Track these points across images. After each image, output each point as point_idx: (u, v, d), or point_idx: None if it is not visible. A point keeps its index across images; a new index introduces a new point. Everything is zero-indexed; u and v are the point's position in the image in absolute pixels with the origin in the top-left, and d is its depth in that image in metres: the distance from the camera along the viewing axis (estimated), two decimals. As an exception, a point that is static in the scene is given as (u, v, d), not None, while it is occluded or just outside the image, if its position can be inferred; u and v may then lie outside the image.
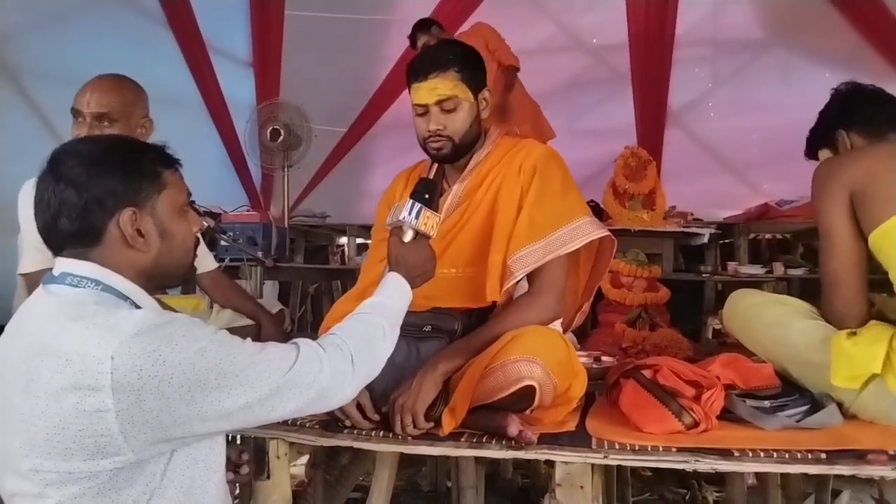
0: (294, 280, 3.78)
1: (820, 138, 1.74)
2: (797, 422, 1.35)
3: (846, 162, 1.54)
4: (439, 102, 1.53)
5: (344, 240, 4.35)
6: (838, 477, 2.11)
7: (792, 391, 1.47)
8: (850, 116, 1.66)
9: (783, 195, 3.82)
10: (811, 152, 1.77)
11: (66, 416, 0.85)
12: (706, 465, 1.20)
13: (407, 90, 1.59)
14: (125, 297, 0.96)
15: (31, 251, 1.69)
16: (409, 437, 1.32)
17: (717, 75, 4.63)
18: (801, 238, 3.66)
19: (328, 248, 4.51)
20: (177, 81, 4.06)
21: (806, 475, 2.04)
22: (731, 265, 3.20)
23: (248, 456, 1.21)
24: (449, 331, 1.47)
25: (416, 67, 1.55)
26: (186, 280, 1.09)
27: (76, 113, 1.76)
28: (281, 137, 3.47)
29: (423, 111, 1.56)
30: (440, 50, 1.62)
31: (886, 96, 1.70)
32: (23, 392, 0.87)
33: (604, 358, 2.04)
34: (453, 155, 1.58)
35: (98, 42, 3.49)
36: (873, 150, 1.55)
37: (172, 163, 1.04)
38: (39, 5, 3.26)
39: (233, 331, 0.98)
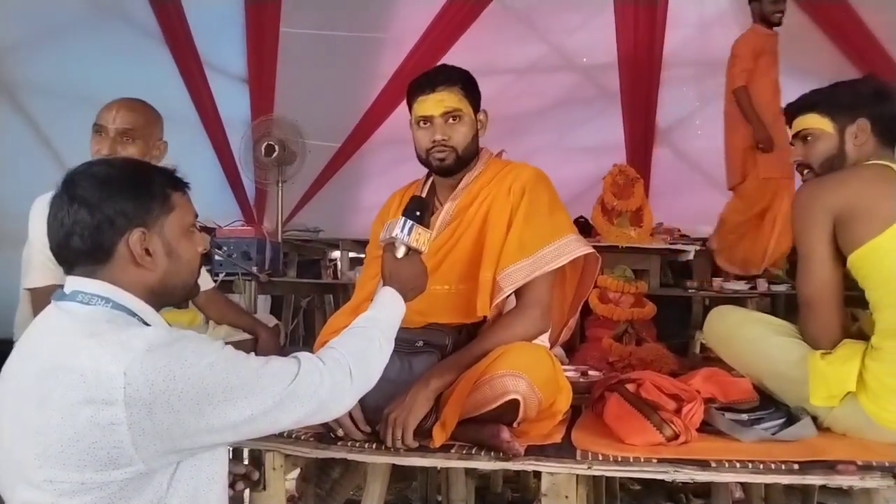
0: (287, 294, 3.82)
1: (830, 105, 1.63)
2: (773, 434, 1.42)
3: (830, 186, 1.55)
4: (445, 114, 1.61)
5: (337, 254, 4.40)
6: (823, 490, 2.17)
7: (769, 405, 1.54)
8: (880, 113, 1.59)
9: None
10: (799, 109, 1.68)
11: (80, 429, 0.89)
12: (685, 475, 1.26)
13: (401, 106, 1.66)
14: (134, 315, 1.01)
15: (40, 267, 1.73)
16: (401, 450, 1.37)
17: (704, 95, 4.73)
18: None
19: (321, 262, 4.56)
20: (172, 97, 4.10)
21: (790, 488, 2.12)
22: (717, 281, 3.27)
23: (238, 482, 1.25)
24: (440, 346, 1.52)
25: (422, 82, 1.65)
26: (190, 297, 1.14)
27: (99, 128, 1.83)
28: (275, 153, 3.53)
29: (427, 123, 1.63)
30: (445, 68, 1.71)
31: None
32: (37, 406, 0.92)
33: (591, 372, 2.10)
34: (456, 166, 1.66)
35: (94, 57, 3.53)
36: (856, 173, 1.56)
37: (181, 185, 1.09)
38: (36, 21, 3.31)
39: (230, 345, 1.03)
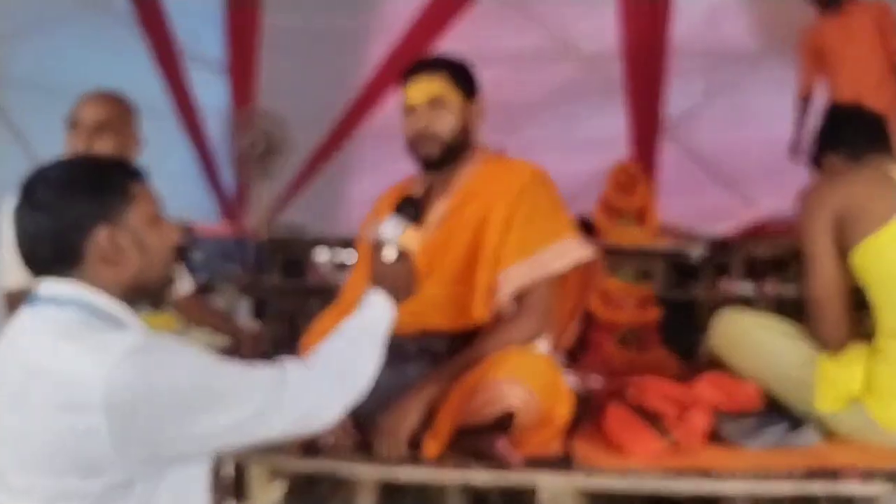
0: (270, 296, 3.83)
1: (815, 157, 1.90)
2: (778, 441, 1.46)
3: (832, 189, 1.67)
4: (427, 101, 1.65)
5: (322, 252, 4.41)
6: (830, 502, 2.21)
7: (774, 411, 1.58)
8: (832, 139, 1.83)
9: (780, 208, 3.93)
10: (814, 162, 1.92)
11: (60, 435, 0.91)
12: (688, 486, 1.30)
13: (391, 98, 1.70)
14: (110, 316, 1.03)
15: (13, 268, 1.75)
16: (392, 461, 1.39)
17: (712, 87, 4.74)
18: (795, 255, 3.79)
19: (305, 261, 4.56)
20: (146, 86, 4.10)
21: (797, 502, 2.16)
22: (724, 283, 3.31)
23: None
24: (435, 352, 1.54)
25: (410, 70, 1.69)
26: (166, 290, 1.15)
27: (74, 123, 1.86)
28: (259, 146, 3.54)
29: (412, 111, 1.67)
30: (434, 57, 1.76)
31: (864, 116, 1.85)
32: (16, 412, 0.94)
33: (592, 378, 2.13)
34: (441, 156, 1.67)
35: (66, 46, 3.54)
36: (857, 174, 1.68)
37: (138, 175, 1.10)
38: (9, 15, 3.31)
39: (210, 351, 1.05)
